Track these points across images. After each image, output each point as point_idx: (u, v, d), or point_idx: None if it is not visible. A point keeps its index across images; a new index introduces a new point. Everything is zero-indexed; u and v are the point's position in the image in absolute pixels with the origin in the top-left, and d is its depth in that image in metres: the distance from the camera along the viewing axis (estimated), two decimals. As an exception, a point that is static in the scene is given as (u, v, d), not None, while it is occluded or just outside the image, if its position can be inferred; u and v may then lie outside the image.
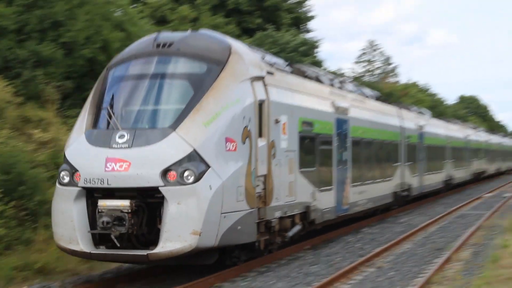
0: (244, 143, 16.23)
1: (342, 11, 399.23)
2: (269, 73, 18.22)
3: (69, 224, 15.07)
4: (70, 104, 24.65)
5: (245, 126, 16.30)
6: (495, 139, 79.92)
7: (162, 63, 16.50)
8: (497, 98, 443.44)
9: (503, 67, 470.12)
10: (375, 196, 28.51)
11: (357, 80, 72.21)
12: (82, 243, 14.95)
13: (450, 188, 48.46)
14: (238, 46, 17.76)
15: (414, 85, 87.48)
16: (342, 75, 68.07)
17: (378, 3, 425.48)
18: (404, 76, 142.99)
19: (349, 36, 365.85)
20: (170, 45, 16.63)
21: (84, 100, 17.98)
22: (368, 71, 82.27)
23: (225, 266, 16.84)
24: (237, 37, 42.47)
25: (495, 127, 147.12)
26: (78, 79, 25.61)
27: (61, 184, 15.46)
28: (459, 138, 53.04)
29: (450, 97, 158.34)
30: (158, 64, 16.44)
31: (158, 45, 16.72)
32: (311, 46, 42.24)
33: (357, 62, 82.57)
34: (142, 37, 19.70)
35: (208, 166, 15.00)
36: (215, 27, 41.37)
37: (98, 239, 15.21)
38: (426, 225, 27.85)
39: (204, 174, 14.86)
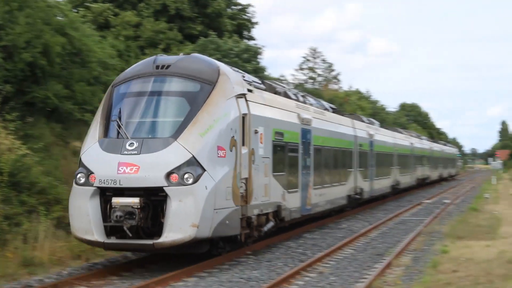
0: (231, 150, 18.98)
1: (284, 18, 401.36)
2: (249, 90, 20.96)
3: (85, 218, 17.67)
4: (10, 108, 24.23)
5: (232, 136, 19.05)
6: (437, 147, 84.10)
7: (162, 82, 19.24)
8: (436, 106, 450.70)
9: (442, 76, 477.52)
10: (333, 198, 31.52)
11: (300, 87, 72.63)
12: (97, 234, 17.56)
13: (396, 192, 51.10)
14: (225, 68, 20.46)
15: (355, 92, 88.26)
16: (284, 81, 68.46)
17: (320, 11, 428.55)
18: (346, 84, 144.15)
19: (292, 43, 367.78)
20: (167, 67, 19.31)
21: (25, 103, 21.78)
22: (311, 78, 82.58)
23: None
24: (180, 43, 42.39)
25: (435, 134, 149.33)
26: (18, 83, 25.19)
27: (78, 184, 18.03)
28: (405, 146, 55.78)
29: (391, 104, 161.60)
30: (158, 83, 19.20)
31: (157, 67, 19.40)
32: (254, 52, 42.27)
33: (299, 69, 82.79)
34: (84, 41, 20.73)
35: (204, 170, 17.73)
36: (157, 33, 41.23)
37: (109, 231, 17.80)
38: (367, 230, 28.06)
39: (201, 176, 17.59)
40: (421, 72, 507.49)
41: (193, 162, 17.66)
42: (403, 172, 53.61)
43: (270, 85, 25.81)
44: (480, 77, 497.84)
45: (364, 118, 45.10)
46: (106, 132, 18.63)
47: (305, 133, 26.89)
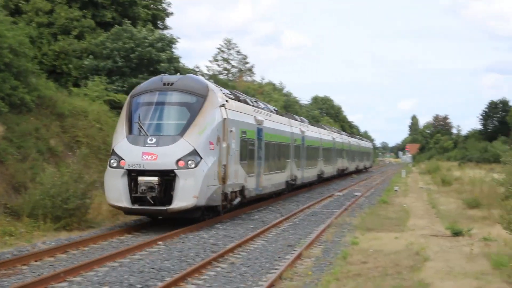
0: (217, 145, 26.16)
1: (199, 9, 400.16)
2: (226, 101, 28.27)
3: (117, 191, 24.58)
4: None
5: (218, 135, 26.24)
6: (354, 141, 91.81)
7: (169, 95, 26.28)
8: (348, 100, 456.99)
9: (354, 70, 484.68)
10: (276, 183, 38.97)
11: (214, 78, 72.47)
12: (125, 202, 24.49)
13: (321, 180, 58.84)
14: (211, 85, 28.37)
15: (269, 84, 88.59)
16: (199, 72, 68.24)
17: (235, 2, 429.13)
18: (259, 75, 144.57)
19: (207, 35, 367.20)
20: (172, 84, 26.47)
21: None
22: (225, 69, 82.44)
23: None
24: (93, 30, 41.68)
25: (347, 127, 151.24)
26: None
27: (111, 167, 24.88)
28: (328, 141, 63.27)
29: (304, 97, 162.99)
30: (167, 95, 26.28)
31: (164, 84, 26.58)
32: (168, 42, 41.88)
33: (213, 61, 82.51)
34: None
35: (201, 158, 24.83)
36: (71, 20, 40.43)
37: (134, 200, 24.53)
38: (278, 222, 28.20)
39: (199, 163, 24.70)
40: (333, 65, 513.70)
41: (194, 152, 24.73)
42: (327, 163, 61.09)
43: (236, 95, 32.62)
44: (391, 72, 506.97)
45: (297, 117, 52.71)
46: (130, 130, 25.41)
47: (259, 131, 34.04)
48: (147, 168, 24.42)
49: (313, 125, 60.66)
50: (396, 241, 21.99)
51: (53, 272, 16.24)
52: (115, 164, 24.81)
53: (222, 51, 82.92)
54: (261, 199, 36.42)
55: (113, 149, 25.29)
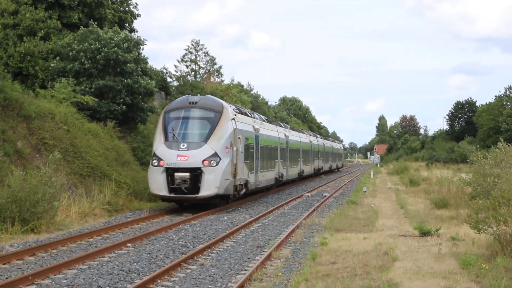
0: (230, 148, 33.69)
1: (165, 10, 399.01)
2: (235, 115, 36.03)
3: (159, 183, 32.18)
4: None
5: (231, 141, 33.80)
6: (328, 143, 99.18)
7: (194, 111, 33.83)
8: (316, 101, 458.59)
9: (322, 71, 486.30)
10: (268, 179, 46.44)
11: (182, 78, 72.31)
12: (165, 192, 32.13)
13: (302, 178, 66.75)
14: (225, 103, 36.04)
15: (237, 86, 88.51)
16: (167, 74, 68.03)
17: (202, 3, 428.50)
18: (227, 77, 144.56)
19: (173, 36, 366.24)
20: (196, 103, 34.17)
21: None
22: (192, 70, 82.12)
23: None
24: (59, 32, 41.33)
25: (315, 128, 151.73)
26: None
27: (153, 166, 32.39)
28: (306, 143, 70.28)
29: (272, 98, 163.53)
30: (192, 111, 33.83)
31: (190, 103, 34.26)
32: (135, 43, 41.64)
33: (181, 61, 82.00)
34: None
35: (220, 159, 32.46)
36: (37, 22, 40.06)
37: (170, 190, 32.05)
38: (248, 223, 28.21)
39: (219, 162, 32.38)
40: (301, 67, 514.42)
41: (215, 154, 32.41)
42: (306, 163, 68.96)
43: (239, 109, 40.28)
44: (358, 73, 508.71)
45: (281, 124, 61.20)
46: (166, 138, 32.96)
47: (256, 137, 41.55)
48: (181, 166, 32.11)
49: (294, 130, 68.47)
50: (364, 242, 22.07)
51: (21, 275, 16.12)
52: (156, 164, 32.38)
53: (190, 52, 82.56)
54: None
55: (154, 152, 32.98)
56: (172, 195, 32.25)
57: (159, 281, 16.27)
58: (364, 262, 17.86)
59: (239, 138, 35.53)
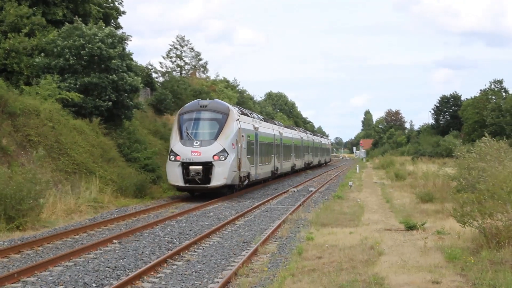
0: (236, 145, 38.39)
1: (150, 6, 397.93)
2: (239, 116, 41.35)
3: (176, 175, 36.73)
4: None
5: (236, 139, 38.58)
6: (317, 139, 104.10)
7: (204, 113, 38.60)
8: (302, 96, 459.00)
9: (307, 66, 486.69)
10: (266, 172, 51.99)
11: (167, 74, 72.14)
12: (181, 182, 36.69)
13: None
14: (230, 105, 41.75)
15: (223, 81, 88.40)
16: (152, 69, 67.85)
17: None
18: (213, 72, 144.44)
19: (158, 32, 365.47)
20: (206, 106, 38.90)
21: None
22: (178, 66, 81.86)
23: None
24: (43, 29, 41.12)
25: (301, 123, 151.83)
26: None
27: (171, 160, 36.95)
28: (298, 139, 75.62)
29: (258, 93, 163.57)
30: (203, 113, 38.58)
31: (200, 106, 38.95)
32: (119, 39, 41.43)
33: (166, 57, 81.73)
34: None
35: (228, 154, 37.05)
36: (20, 18, 39.83)
37: (185, 181, 36.60)
38: (234, 218, 28.23)
39: (227, 157, 36.98)
40: (287, 62, 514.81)
41: (224, 150, 37.22)
42: (297, 158, 74.07)
43: (242, 110, 46.06)
44: (343, 68, 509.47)
45: (276, 122, 68.75)
46: (181, 137, 37.74)
47: (256, 135, 46.69)
48: (194, 160, 36.97)
49: (287, 127, 74.26)
50: (350, 236, 22.14)
51: (7, 273, 16.08)
52: (173, 159, 37.28)
53: (175, 48, 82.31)
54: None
55: (171, 149, 37.80)
56: (187, 185, 37.23)
57: (145, 277, 16.26)
58: (350, 257, 17.92)
59: (242, 136, 40.73)
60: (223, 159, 37.03)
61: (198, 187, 37.48)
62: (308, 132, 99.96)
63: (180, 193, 40.39)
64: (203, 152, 36.93)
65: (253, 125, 46.35)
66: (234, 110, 40.66)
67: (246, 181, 43.15)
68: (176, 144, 37.46)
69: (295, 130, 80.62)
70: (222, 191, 38.82)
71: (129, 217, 28.77)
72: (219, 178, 37.00)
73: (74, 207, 29.25)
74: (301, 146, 77.60)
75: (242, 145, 40.53)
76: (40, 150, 30.67)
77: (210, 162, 36.86)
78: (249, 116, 46.99)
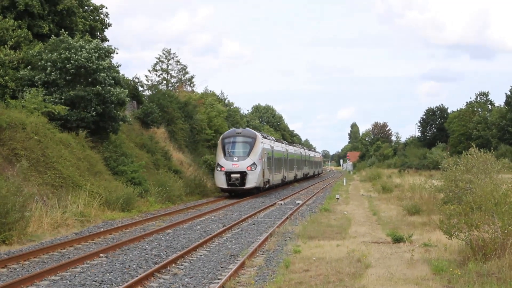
0: (261, 160, 54.52)
1: (136, 19, 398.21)
2: (263, 139, 58.08)
3: (221, 181, 53.03)
4: None
5: (261, 155, 54.65)
6: (312, 154, 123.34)
7: (240, 138, 54.68)
8: (288, 108, 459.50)
9: (293, 79, 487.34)
10: (278, 179, 67.16)
11: (154, 87, 71.97)
12: (225, 185, 53.09)
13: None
14: (257, 132, 62.05)
15: (211, 94, 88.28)
16: (139, 83, 67.77)
17: (172, 13, 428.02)
18: (199, 86, 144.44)
19: (144, 45, 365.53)
20: (240, 133, 55.20)
21: None
22: (164, 79, 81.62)
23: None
24: (30, 42, 41.01)
25: (288, 136, 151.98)
26: None
27: (218, 170, 53.12)
28: (298, 154, 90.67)
29: (245, 106, 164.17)
30: (238, 138, 54.66)
31: (237, 133, 55.20)
32: (106, 52, 41.35)
33: (152, 70, 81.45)
34: None
35: (256, 166, 53.48)
36: (6, 30, 39.73)
37: (228, 184, 52.81)
38: (221, 231, 28.18)
39: (256, 168, 53.41)
40: (273, 74, 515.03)
41: (254, 164, 52.94)
42: (298, 169, 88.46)
43: (263, 135, 63.11)
44: (329, 81, 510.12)
45: (283, 141, 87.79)
46: (224, 154, 53.21)
47: (272, 152, 61.69)
48: (234, 170, 52.77)
49: (291, 145, 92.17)
50: (337, 249, 22.14)
51: (-8, 287, 15.99)
52: (219, 169, 53.13)
53: (161, 61, 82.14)
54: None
55: (218, 163, 53.74)
56: (229, 187, 53.15)
57: (132, 291, 16.20)
58: (337, 269, 17.92)
59: (264, 153, 56.57)
60: (254, 169, 53.16)
61: (237, 189, 53.17)
62: (305, 148, 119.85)
63: (167, 206, 42.11)
64: (240, 165, 52.89)
65: (270, 145, 62.12)
66: (259, 135, 57.42)
67: (267, 185, 59.49)
68: (221, 159, 53.46)
69: (296, 147, 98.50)
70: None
71: (116, 231, 28.68)
72: (251, 182, 53.07)
73: (61, 220, 29.13)
74: (301, 160, 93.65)
75: (264, 159, 56.41)
76: (24, 162, 30.54)
77: (245, 171, 52.87)
78: (267, 139, 64.15)
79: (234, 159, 52.96)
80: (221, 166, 52.76)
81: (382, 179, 69.96)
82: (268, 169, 58.44)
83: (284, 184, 73.67)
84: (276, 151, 65.41)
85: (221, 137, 56.31)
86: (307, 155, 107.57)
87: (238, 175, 52.44)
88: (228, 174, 52.55)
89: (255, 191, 55.20)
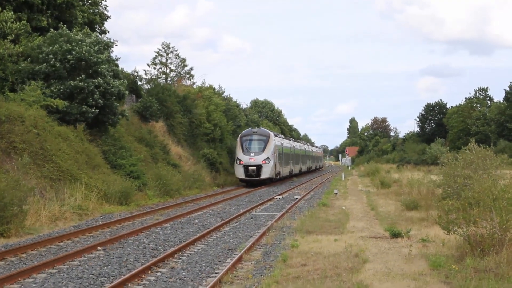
0: (274, 155, 64.89)
1: (136, 13, 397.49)
2: (275, 137, 68.32)
3: (240, 172, 63.24)
4: None
5: (274, 151, 65.00)
6: (314, 149, 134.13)
7: (256, 136, 64.87)
8: (288, 103, 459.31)
9: (293, 74, 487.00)
10: (287, 172, 76.54)
11: (153, 81, 71.87)
12: (243, 176, 63.23)
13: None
14: (270, 131, 73.26)
15: (209, 88, 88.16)
16: (138, 77, 67.78)
17: (171, 7, 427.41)
18: (199, 79, 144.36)
19: (144, 39, 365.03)
20: (256, 132, 65.75)
21: None
22: (163, 73, 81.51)
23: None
24: (29, 35, 40.96)
25: (287, 131, 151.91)
26: None
27: (237, 163, 63.24)
28: (303, 150, 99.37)
29: (244, 101, 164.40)
30: (254, 136, 64.78)
31: (253, 132, 65.48)
32: (105, 44, 41.29)
33: (151, 64, 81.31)
34: None
35: (270, 160, 63.57)
36: (5, 23, 39.65)
37: (246, 175, 62.95)
38: (219, 225, 28.17)
39: (270, 161, 63.55)
40: (272, 69, 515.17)
41: (268, 158, 63.10)
42: (303, 163, 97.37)
43: (275, 133, 72.07)
44: (329, 76, 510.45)
45: (290, 138, 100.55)
46: (243, 150, 63.20)
47: (281, 148, 70.31)
48: (251, 163, 61.76)
49: (296, 141, 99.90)
50: (335, 243, 22.14)
51: (-11, 280, 15.99)
52: (238, 163, 62.24)
53: (161, 55, 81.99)
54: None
55: (237, 157, 62.74)
56: (247, 178, 62.37)
57: (129, 284, 16.19)
58: (334, 264, 17.92)
59: (276, 149, 65.88)
60: (268, 163, 62.50)
61: (253, 179, 62.24)
62: (308, 144, 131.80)
63: (165, 200, 42.34)
64: (256, 159, 62.19)
65: (280, 142, 71.44)
66: (272, 134, 67.03)
67: (278, 177, 68.59)
68: (239, 154, 62.66)
69: (301, 143, 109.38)
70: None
71: (113, 224, 28.68)
72: (265, 173, 62.34)
73: (59, 214, 29.13)
74: (305, 155, 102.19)
75: (276, 155, 65.58)
76: (25, 157, 30.51)
77: (260, 165, 62.15)
78: (278, 137, 73.40)
79: (251, 154, 62.47)
80: (240, 160, 62.41)
81: (381, 174, 69.98)
82: (279, 163, 68.10)
83: (292, 176, 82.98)
84: (285, 147, 75.14)
85: (239, 135, 66.15)
86: (310, 151, 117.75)
87: (255, 167, 62.11)
88: (246, 166, 62.18)
89: (268, 181, 64.70)
